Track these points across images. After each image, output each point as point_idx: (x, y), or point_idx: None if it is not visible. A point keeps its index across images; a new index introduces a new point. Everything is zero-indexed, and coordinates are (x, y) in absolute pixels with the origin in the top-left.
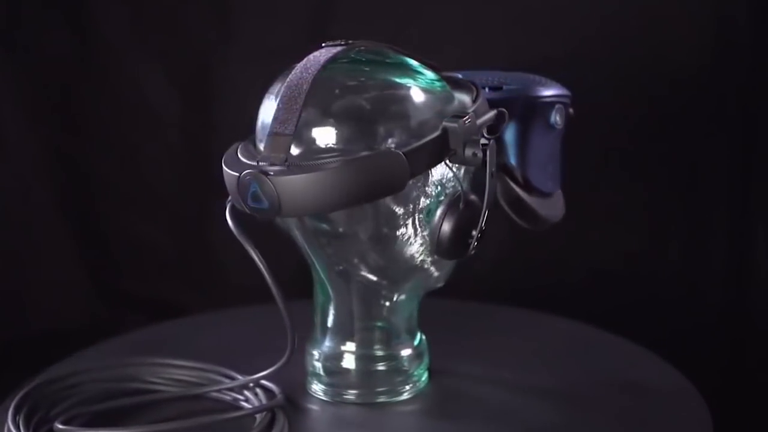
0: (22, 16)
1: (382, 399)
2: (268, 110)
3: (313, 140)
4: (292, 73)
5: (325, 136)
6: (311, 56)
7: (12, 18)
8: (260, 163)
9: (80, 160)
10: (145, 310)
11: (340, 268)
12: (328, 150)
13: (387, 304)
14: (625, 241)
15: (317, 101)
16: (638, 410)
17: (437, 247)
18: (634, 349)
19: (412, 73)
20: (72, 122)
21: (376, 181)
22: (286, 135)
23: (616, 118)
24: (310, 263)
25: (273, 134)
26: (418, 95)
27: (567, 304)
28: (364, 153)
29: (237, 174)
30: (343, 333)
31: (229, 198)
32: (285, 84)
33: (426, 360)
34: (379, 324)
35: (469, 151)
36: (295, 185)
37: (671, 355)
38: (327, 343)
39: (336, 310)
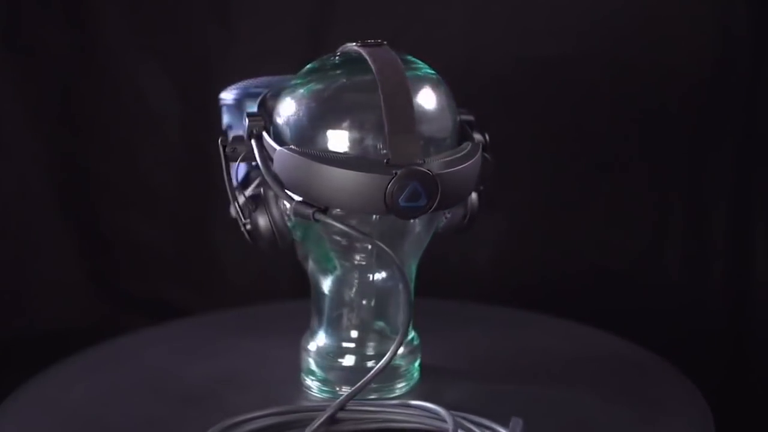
0: (22, 15)
1: (375, 395)
2: (336, 113)
3: (422, 136)
4: (381, 74)
5: (429, 130)
6: (379, 55)
7: (12, 18)
8: (406, 162)
9: (80, 160)
10: (145, 310)
11: (383, 264)
12: (430, 144)
13: (392, 298)
14: (625, 243)
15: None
16: (640, 411)
17: (456, 226)
18: (634, 349)
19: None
20: (72, 122)
21: (484, 168)
22: (412, 133)
23: (615, 119)
24: (328, 261)
25: (398, 133)
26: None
27: (566, 304)
28: (471, 143)
29: (387, 175)
30: (340, 330)
31: (304, 202)
32: (383, 86)
33: (419, 357)
34: (378, 320)
35: (478, 137)
36: (452, 179)
37: (672, 355)
38: (323, 340)
39: (338, 307)
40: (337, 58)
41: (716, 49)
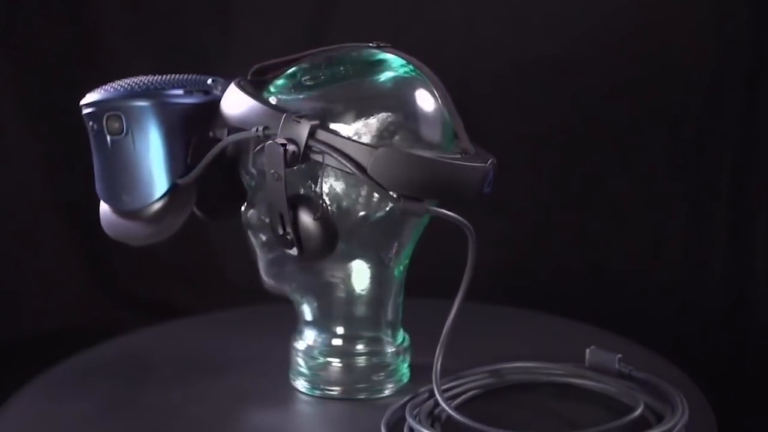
0: (22, 15)
1: (363, 395)
2: (417, 109)
3: None
4: (425, 72)
5: None
6: (409, 57)
7: (12, 18)
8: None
9: (80, 160)
10: (145, 310)
11: (390, 262)
12: None
13: (386, 298)
14: (625, 243)
15: None
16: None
17: None
18: (634, 348)
19: None
20: (72, 122)
21: None
22: (463, 127)
23: (616, 119)
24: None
25: (462, 127)
26: None
27: (566, 304)
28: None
29: (485, 166)
30: (330, 329)
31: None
32: (435, 83)
33: (408, 357)
34: (368, 320)
35: None
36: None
37: (672, 355)
38: (312, 339)
39: (327, 307)
40: (348, 59)
41: (716, 50)
